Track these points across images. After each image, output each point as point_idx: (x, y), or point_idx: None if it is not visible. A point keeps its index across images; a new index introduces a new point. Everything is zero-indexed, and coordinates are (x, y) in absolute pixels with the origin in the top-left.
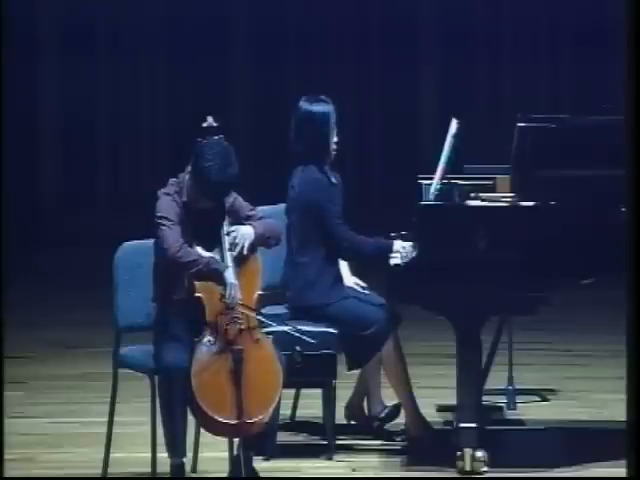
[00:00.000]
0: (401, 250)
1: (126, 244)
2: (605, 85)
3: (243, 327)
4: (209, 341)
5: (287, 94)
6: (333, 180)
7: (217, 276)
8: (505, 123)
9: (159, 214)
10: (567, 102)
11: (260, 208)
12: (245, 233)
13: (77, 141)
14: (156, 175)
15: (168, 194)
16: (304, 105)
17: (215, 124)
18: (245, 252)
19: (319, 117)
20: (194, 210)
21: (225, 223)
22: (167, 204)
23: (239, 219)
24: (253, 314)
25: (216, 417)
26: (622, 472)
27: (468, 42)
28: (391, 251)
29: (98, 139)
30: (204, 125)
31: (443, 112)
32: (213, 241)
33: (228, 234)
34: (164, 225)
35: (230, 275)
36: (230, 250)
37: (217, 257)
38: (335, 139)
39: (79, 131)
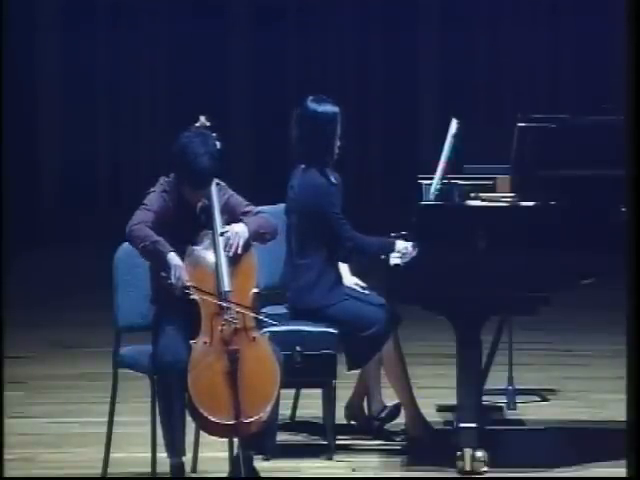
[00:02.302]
0: (403, 250)
1: (126, 244)
2: (606, 82)
3: (239, 327)
4: (205, 342)
5: (287, 93)
6: (333, 180)
7: (161, 257)
8: (505, 123)
9: (142, 202)
10: (567, 100)
11: (260, 208)
12: (239, 232)
13: (77, 141)
14: (157, 175)
15: (158, 189)
16: (311, 105)
17: (208, 123)
18: (240, 251)
19: (325, 118)
20: (186, 209)
21: (219, 223)
22: (153, 196)
23: (235, 216)
24: (246, 310)
25: (213, 418)
26: (622, 472)
27: (469, 42)
28: (393, 250)
29: (99, 138)
30: (197, 125)
31: (443, 112)
32: (208, 241)
33: (222, 234)
34: (139, 209)
35: (173, 257)
36: (225, 250)
37: (212, 258)
38: (338, 143)
39: (79, 131)
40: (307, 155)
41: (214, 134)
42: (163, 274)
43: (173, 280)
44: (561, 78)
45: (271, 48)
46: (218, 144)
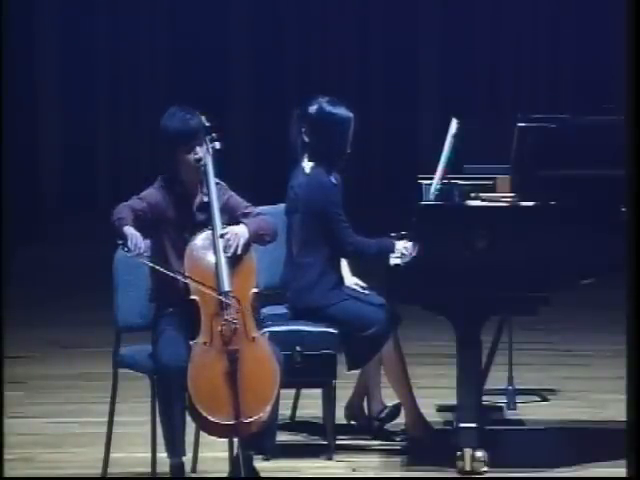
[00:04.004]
0: (403, 250)
1: None
2: (605, 82)
3: (238, 327)
4: (205, 343)
5: (287, 94)
6: (333, 180)
7: (119, 230)
8: (505, 123)
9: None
10: (567, 100)
11: (260, 208)
12: (239, 233)
13: (77, 141)
14: (157, 175)
15: (156, 185)
16: (326, 107)
17: (208, 124)
18: (239, 252)
19: (338, 121)
20: (185, 206)
21: (218, 222)
22: (149, 189)
23: (235, 217)
24: (243, 307)
25: (213, 419)
26: (622, 472)
27: (469, 42)
28: (393, 252)
29: (99, 137)
30: None
31: (443, 112)
32: (208, 240)
33: (222, 236)
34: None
35: (129, 228)
36: (225, 252)
37: (212, 258)
38: (348, 150)
39: (79, 131)
40: (315, 155)
41: (214, 134)
42: (119, 242)
43: (131, 247)
44: (561, 78)
45: (271, 49)
46: (218, 144)
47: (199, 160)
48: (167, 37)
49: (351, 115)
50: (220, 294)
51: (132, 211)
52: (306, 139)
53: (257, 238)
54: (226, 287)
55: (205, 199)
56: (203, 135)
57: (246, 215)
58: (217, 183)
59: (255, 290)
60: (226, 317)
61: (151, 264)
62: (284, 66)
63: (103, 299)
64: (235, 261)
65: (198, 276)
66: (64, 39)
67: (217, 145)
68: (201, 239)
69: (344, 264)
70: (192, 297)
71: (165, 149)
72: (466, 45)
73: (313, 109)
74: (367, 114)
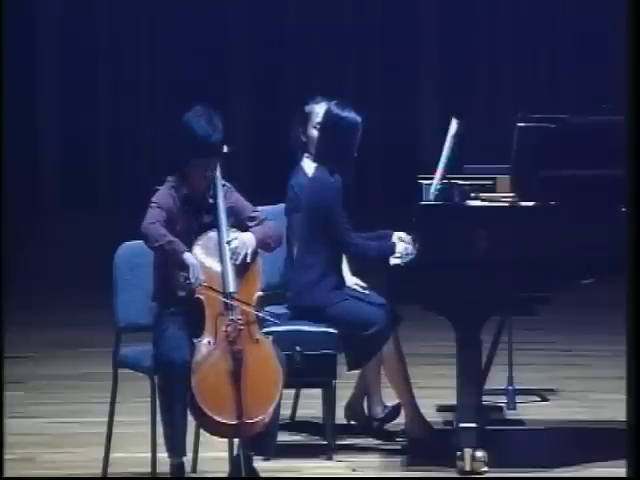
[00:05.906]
0: (403, 251)
1: (126, 244)
2: (605, 82)
3: (242, 328)
4: (209, 342)
5: (287, 95)
6: (333, 181)
7: (177, 256)
8: (505, 123)
9: (151, 200)
10: (567, 100)
11: (260, 208)
12: (246, 242)
13: (77, 140)
14: (156, 175)
15: (165, 187)
16: (335, 110)
17: None
18: (248, 260)
19: (349, 125)
20: (193, 207)
21: (224, 224)
22: (161, 193)
23: (241, 220)
24: (250, 308)
25: (216, 418)
26: (622, 472)
27: (469, 41)
28: (394, 253)
29: (99, 137)
30: None
31: (443, 111)
32: (214, 242)
33: (229, 243)
34: (150, 207)
35: (189, 256)
36: (232, 259)
37: (218, 265)
38: (355, 154)
39: (79, 131)
40: (321, 157)
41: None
42: (182, 274)
43: (192, 279)
44: (561, 78)
45: (271, 49)
46: (226, 147)
47: (211, 172)
48: (167, 37)
49: (359, 119)
50: (225, 295)
51: (164, 227)
52: (303, 139)
53: (263, 245)
54: (231, 288)
55: (211, 200)
56: (220, 151)
57: (252, 219)
58: (224, 185)
59: (260, 293)
60: (231, 317)
61: (209, 292)
62: (284, 66)
63: (103, 299)
64: (241, 267)
65: (204, 278)
66: (64, 39)
67: (225, 148)
68: (207, 240)
69: (345, 264)
70: (197, 296)
71: (181, 150)
72: (466, 44)
73: (321, 111)
74: (367, 114)
